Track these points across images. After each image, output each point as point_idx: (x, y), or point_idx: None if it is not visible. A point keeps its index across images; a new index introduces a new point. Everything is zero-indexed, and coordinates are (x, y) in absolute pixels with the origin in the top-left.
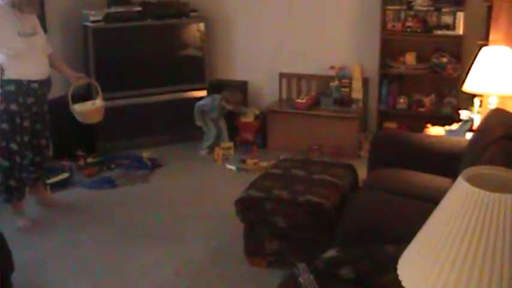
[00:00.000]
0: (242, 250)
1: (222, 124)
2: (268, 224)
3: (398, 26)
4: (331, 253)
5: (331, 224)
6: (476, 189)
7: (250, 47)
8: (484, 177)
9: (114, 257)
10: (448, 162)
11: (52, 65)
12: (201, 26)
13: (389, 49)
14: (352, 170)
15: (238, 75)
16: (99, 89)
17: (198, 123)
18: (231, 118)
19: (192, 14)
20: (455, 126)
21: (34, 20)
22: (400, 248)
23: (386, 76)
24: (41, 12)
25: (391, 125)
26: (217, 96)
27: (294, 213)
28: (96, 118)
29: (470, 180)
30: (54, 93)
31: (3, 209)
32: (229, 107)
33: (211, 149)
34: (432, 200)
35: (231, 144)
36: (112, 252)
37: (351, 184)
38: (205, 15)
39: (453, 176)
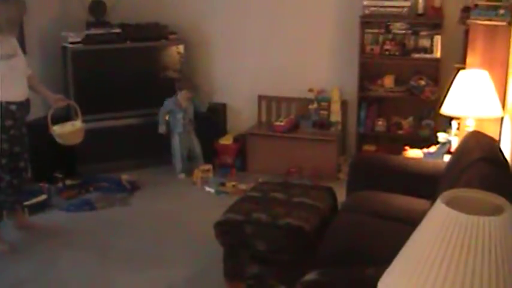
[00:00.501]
0: (222, 274)
1: (195, 143)
2: (248, 247)
3: (377, 49)
4: (311, 276)
5: (312, 247)
6: (455, 212)
7: (229, 69)
8: (462, 199)
9: (93, 281)
10: (426, 185)
11: (31, 86)
12: (181, 48)
13: (368, 72)
14: (332, 193)
15: (217, 98)
16: (78, 110)
17: (161, 130)
18: (210, 140)
19: (171, 36)
20: (433, 149)
21: (13, 42)
22: (380, 270)
23: (365, 99)
24: (20, 33)
25: (370, 147)
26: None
27: (274, 236)
28: (76, 140)
29: (449, 202)
30: (33, 114)
31: None
32: (187, 95)
33: (186, 171)
34: (411, 222)
35: (210, 166)
36: (91, 277)
37: (330, 207)
38: (184, 38)
39: (431, 198)
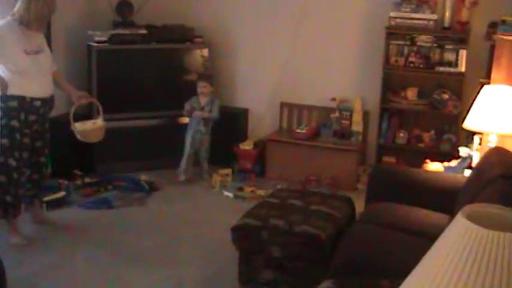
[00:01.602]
0: (235, 278)
1: (204, 144)
2: (264, 253)
3: (401, 61)
4: (326, 285)
5: (327, 255)
6: (476, 227)
7: (253, 75)
8: (482, 215)
9: (107, 279)
10: (445, 199)
11: (55, 83)
12: (205, 52)
13: (391, 83)
14: (350, 203)
15: (240, 103)
16: (100, 109)
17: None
18: (230, 145)
19: (197, 39)
20: (454, 163)
21: (40, 38)
22: (395, 282)
23: (387, 110)
24: (47, 30)
25: (389, 159)
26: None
27: (290, 243)
28: (97, 138)
29: (470, 217)
30: (56, 111)
31: None
32: (205, 89)
33: (185, 172)
34: (428, 236)
35: (230, 171)
36: (105, 274)
37: (347, 217)
38: (209, 42)
39: (449, 213)
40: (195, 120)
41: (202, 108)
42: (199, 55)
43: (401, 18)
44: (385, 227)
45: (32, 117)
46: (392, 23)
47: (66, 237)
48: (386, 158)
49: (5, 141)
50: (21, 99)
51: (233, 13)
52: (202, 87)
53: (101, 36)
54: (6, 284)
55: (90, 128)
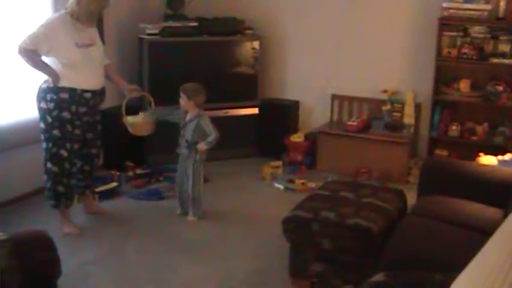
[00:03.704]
0: (286, 270)
1: (187, 181)
2: (314, 245)
3: (454, 52)
4: (379, 277)
5: (378, 248)
6: None
7: (303, 67)
8: None
9: (157, 269)
10: (499, 193)
11: (107, 76)
12: (256, 44)
13: (444, 75)
14: (402, 196)
15: (290, 95)
16: (152, 102)
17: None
18: (280, 137)
19: (247, 31)
20: (508, 157)
21: (93, 31)
22: (448, 276)
23: (439, 102)
24: (100, 24)
25: (441, 152)
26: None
27: (341, 235)
28: (147, 131)
29: None
30: (108, 103)
31: (51, 215)
32: (187, 104)
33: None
34: (481, 230)
35: (280, 163)
36: (156, 264)
37: (399, 209)
38: (260, 34)
39: (504, 207)
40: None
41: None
42: (249, 47)
43: (454, 8)
44: (437, 221)
45: (82, 109)
46: (445, 13)
47: (117, 227)
48: (438, 151)
49: (56, 132)
50: (72, 91)
51: (283, 4)
52: (183, 100)
53: (152, 29)
54: (61, 272)
55: (141, 122)
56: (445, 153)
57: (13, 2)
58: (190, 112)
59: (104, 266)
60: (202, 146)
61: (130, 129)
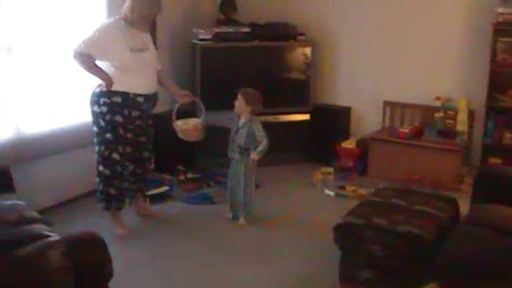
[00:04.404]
0: (335, 276)
1: (239, 188)
2: (365, 252)
3: (509, 58)
4: (431, 286)
5: (429, 256)
6: None
7: (355, 73)
8: None
9: (205, 273)
10: None
11: (159, 81)
12: (308, 50)
13: (498, 82)
14: (454, 204)
15: (342, 101)
16: (203, 108)
17: None
18: (332, 143)
19: (300, 37)
20: None
21: (146, 36)
22: (502, 286)
23: (493, 109)
24: (153, 29)
25: (495, 160)
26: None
27: (393, 243)
28: (197, 137)
29: None
30: (160, 107)
31: (104, 216)
32: (244, 107)
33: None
34: None
35: (332, 169)
36: (205, 268)
37: (451, 218)
38: (312, 39)
39: None
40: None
41: (237, 131)
42: (301, 53)
43: (509, 14)
44: (491, 230)
45: (135, 113)
46: (500, 19)
47: (168, 230)
48: (492, 159)
49: (109, 135)
50: (125, 95)
51: (335, 10)
52: (239, 102)
53: (205, 34)
54: (113, 273)
55: (191, 127)
56: (498, 161)
57: (68, 7)
58: (243, 116)
59: (154, 268)
60: (254, 157)
61: (180, 135)
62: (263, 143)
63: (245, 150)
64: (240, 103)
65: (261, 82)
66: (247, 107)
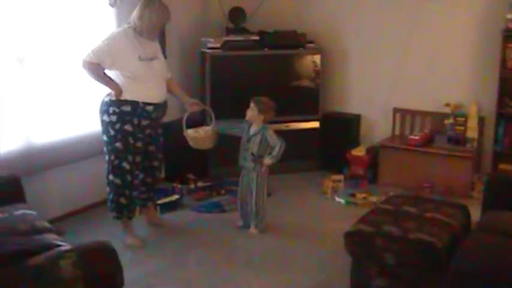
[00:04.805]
0: (347, 284)
1: (250, 195)
2: (377, 260)
3: None
4: None
5: (441, 264)
6: None
7: (364, 81)
8: None
9: (218, 281)
10: None
11: (169, 90)
12: (317, 57)
13: (508, 88)
14: (465, 211)
15: (352, 108)
16: (213, 116)
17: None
18: (342, 151)
19: (309, 45)
20: None
21: (155, 45)
22: None
23: (503, 116)
24: (162, 37)
25: (506, 166)
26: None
27: (404, 250)
28: (208, 145)
29: None
30: (170, 116)
31: (115, 225)
32: (255, 115)
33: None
34: None
35: (342, 177)
36: (217, 277)
37: (463, 225)
38: (321, 47)
39: None
40: (241, 149)
41: (248, 138)
42: (311, 61)
43: None
44: (504, 236)
45: (144, 122)
46: (510, 25)
47: (179, 239)
48: (502, 166)
49: (119, 144)
50: (134, 104)
51: (345, 18)
52: (251, 109)
53: (214, 42)
54: (124, 282)
55: (201, 136)
56: (509, 167)
57: (77, 17)
58: (255, 125)
59: (165, 277)
60: (267, 161)
61: (191, 143)
62: (277, 147)
63: (258, 158)
64: (252, 112)
65: (271, 90)
66: (259, 116)
